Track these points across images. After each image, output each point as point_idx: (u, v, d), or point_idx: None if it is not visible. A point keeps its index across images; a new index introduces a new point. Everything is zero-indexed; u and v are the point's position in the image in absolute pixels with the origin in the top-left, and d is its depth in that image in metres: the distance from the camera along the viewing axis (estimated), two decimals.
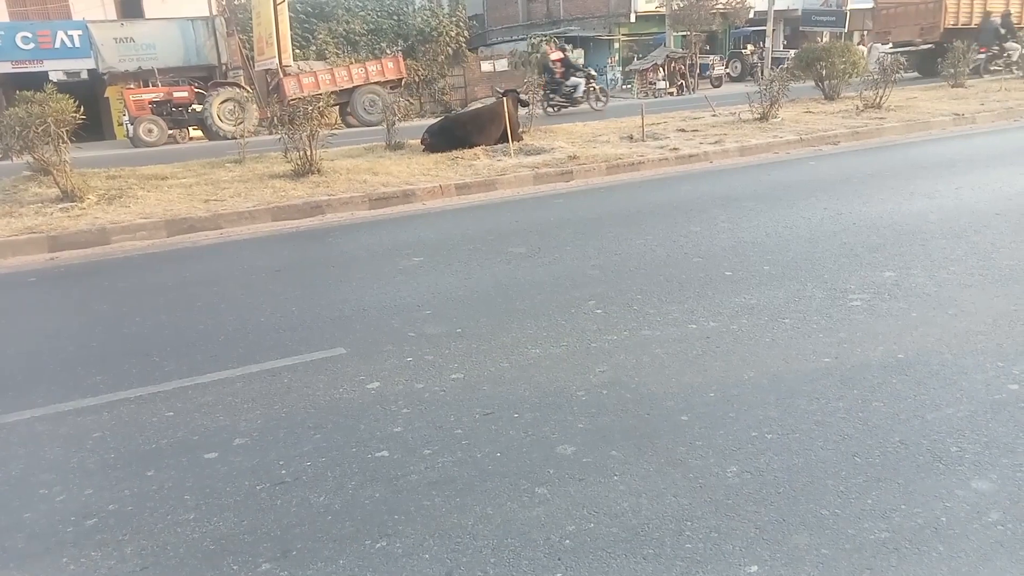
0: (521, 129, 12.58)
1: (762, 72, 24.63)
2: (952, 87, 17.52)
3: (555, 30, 32.58)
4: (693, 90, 26.02)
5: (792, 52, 25.61)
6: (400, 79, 23.47)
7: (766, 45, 28.48)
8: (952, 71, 18.06)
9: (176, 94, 20.32)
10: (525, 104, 12.99)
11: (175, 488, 3.11)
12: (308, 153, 10.15)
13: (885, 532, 2.57)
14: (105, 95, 23.62)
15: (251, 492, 3.05)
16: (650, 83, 25.91)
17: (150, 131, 19.42)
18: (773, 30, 28.80)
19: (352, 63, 23.37)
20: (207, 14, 24.44)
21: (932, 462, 2.96)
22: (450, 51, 29.36)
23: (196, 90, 20.64)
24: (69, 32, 22.62)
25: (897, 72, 14.51)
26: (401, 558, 2.60)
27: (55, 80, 19.26)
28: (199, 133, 21.25)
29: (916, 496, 2.75)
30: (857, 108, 14.07)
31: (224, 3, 25.48)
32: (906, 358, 3.89)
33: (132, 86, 20.98)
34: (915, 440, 3.12)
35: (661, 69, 26.19)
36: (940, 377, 3.65)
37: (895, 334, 4.21)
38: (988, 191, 7.61)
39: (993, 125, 12.57)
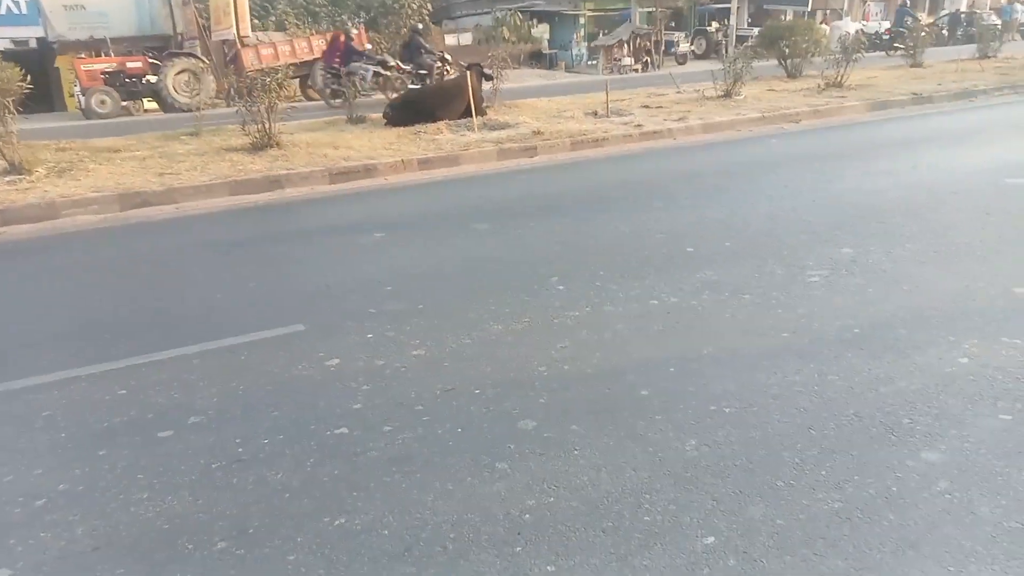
0: (485, 104, 12.46)
1: (726, 49, 24.70)
2: (911, 67, 17.77)
3: (520, 4, 32.23)
4: (658, 67, 26.00)
5: (756, 30, 25.71)
6: (362, 52, 23.04)
7: (731, 23, 28.55)
8: (911, 51, 18.31)
9: (130, 64, 19.66)
10: (489, 78, 12.85)
11: (128, 467, 3.05)
12: (267, 126, 9.93)
13: (838, 502, 2.62)
14: (55, 65, 22.79)
15: (207, 471, 3.00)
16: (615, 59, 25.82)
17: (103, 103, 18.80)
18: (738, 8, 28.86)
19: (313, 35, 22.85)
20: None
21: (885, 434, 3.02)
22: (413, 24, 28.89)
23: (151, 60, 20.01)
24: None
25: (859, 51, 14.65)
26: (360, 535, 2.58)
27: (1, 49, 18.53)
28: (154, 105, 20.63)
29: (869, 467, 2.81)
30: (819, 86, 14.20)
31: None
32: (862, 332, 3.96)
33: (83, 56, 20.25)
34: (869, 413, 3.18)
35: (626, 45, 26.10)
36: (894, 351, 3.72)
37: (852, 309, 4.28)
38: (944, 170, 7.76)
39: (950, 105, 12.79)
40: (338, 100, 16.02)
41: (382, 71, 16.41)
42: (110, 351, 4.20)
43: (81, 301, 5.23)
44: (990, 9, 34.12)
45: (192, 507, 2.77)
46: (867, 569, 2.30)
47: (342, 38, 17.61)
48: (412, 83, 15.51)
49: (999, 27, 25.43)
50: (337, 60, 16.95)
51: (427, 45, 18.00)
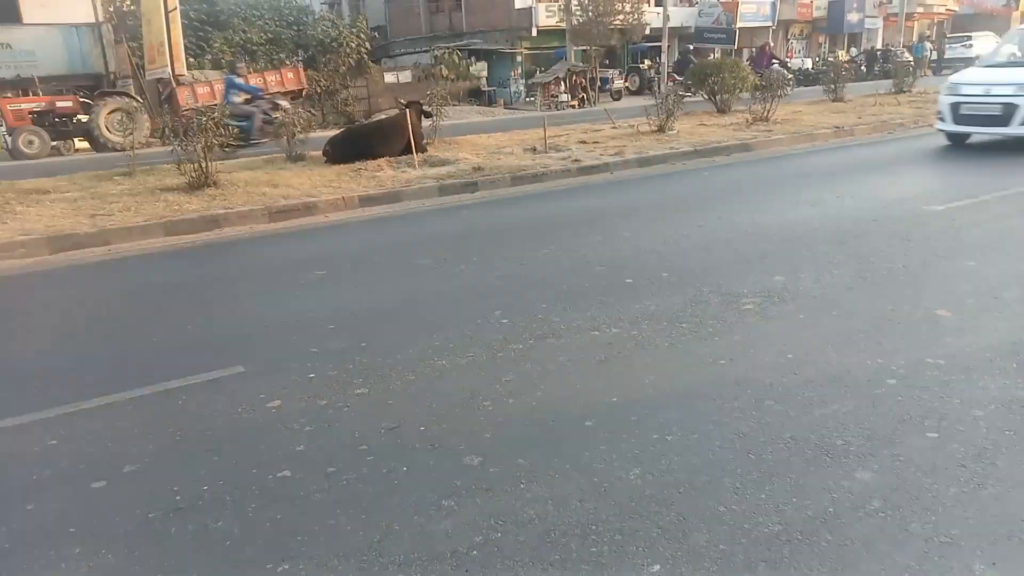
0: (425, 140, 12.54)
1: (659, 86, 25.43)
2: (832, 101, 18.60)
3: (458, 43, 32.67)
4: (594, 103, 26.62)
5: (677, 76, 26.53)
6: (301, 90, 23.00)
7: (662, 60, 29.45)
8: (832, 87, 19.19)
9: (59, 104, 19.20)
10: (429, 115, 12.96)
11: (59, 521, 2.93)
12: (203, 165, 9.79)
13: (778, 525, 2.68)
14: None
15: (143, 520, 2.90)
16: (552, 96, 26.35)
17: (31, 143, 18.27)
18: (668, 46, 29.81)
19: (250, 73, 22.71)
20: (92, 20, 23.23)
21: (820, 456, 3.12)
22: (352, 62, 28.96)
23: (81, 99, 19.58)
24: None
25: (784, 87, 15.27)
26: None
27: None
28: (86, 145, 20.14)
29: (806, 489, 2.89)
30: (747, 121, 14.73)
31: (111, 9, 24.30)
32: (795, 358, 4.09)
33: (9, 95, 19.69)
34: (804, 435, 3.27)
35: (563, 82, 26.68)
36: (826, 375, 3.85)
37: (785, 335, 4.42)
38: (866, 199, 8.11)
39: (870, 137, 13.42)
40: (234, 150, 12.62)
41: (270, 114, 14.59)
42: (38, 400, 4.04)
43: (7, 348, 5.03)
44: (903, 47, 36.07)
45: (128, 560, 2.67)
46: None
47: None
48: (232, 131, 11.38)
49: (912, 63, 26.89)
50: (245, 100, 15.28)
51: (247, 86, 15.75)
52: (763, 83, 15.85)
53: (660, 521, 2.74)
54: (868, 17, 41.65)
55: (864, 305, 4.84)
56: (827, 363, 4.00)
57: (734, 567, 2.47)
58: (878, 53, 35.64)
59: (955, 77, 11.73)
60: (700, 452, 3.19)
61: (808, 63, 35.95)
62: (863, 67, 33.03)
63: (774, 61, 21.60)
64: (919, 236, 6.40)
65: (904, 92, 19.84)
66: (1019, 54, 11.75)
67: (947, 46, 37.01)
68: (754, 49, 26.08)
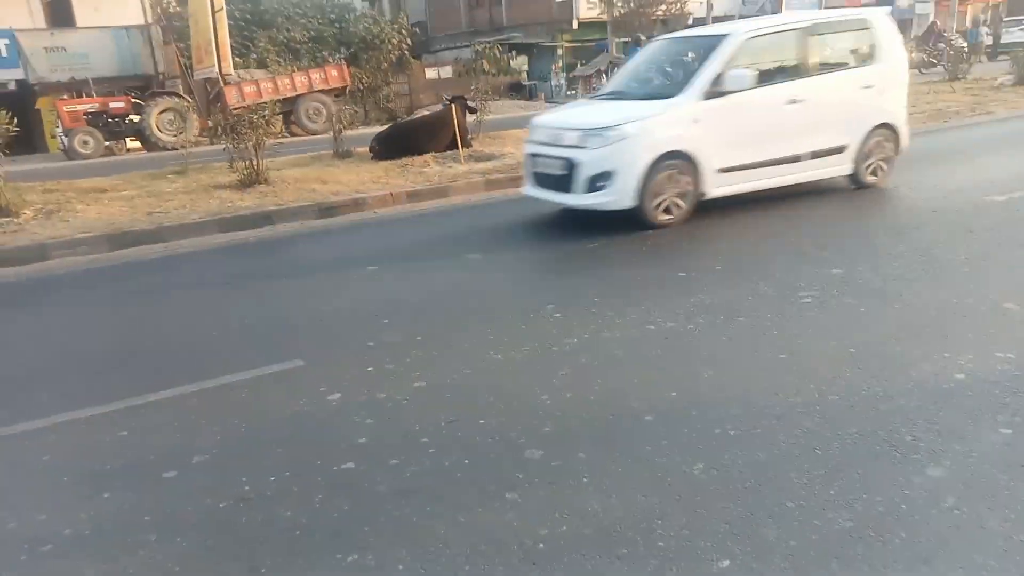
0: (470, 136, 12.56)
1: None
2: None
3: (498, 37, 32.67)
4: None
5: None
6: (344, 87, 23.23)
7: None
8: None
9: (112, 104, 19.72)
10: (473, 111, 12.98)
11: (133, 510, 3.01)
12: (254, 163, 9.96)
13: (849, 521, 2.63)
14: (36, 106, 22.75)
15: (213, 510, 2.97)
16: (594, 88, 26.18)
17: (85, 143, 18.80)
18: None
19: (295, 71, 23.03)
20: (142, 22, 23.79)
21: (888, 451, 3.05)
22: (393, 58, 29.15)
23: (133, 100, 20.08)
24: None
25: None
26: (374, 570, 2.57)
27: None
28: (137, 144, 20.66)
29: (876, 485, 2.83)
30: None
31: (160, 11, 24.84)
32: (857, 351, 4.00)
33: (65, 97, 20.27)
34: (871, 430, 3.21)
35: (604, 75, 26.49)
36: (891, 368, 3.77)
37: (845, 328, 4.34)
38: (924, 189, 7.90)
39: (924, 126, 13.03)
40: None
41: None
42: (107, 393, 4.16)
43: (75, 343, 5.19)
44: (956, 32, 34.99)
45: (202, 548, 2.74)
46: None
47: None
48: None
49: (966, 49, 26.08)
50: None
51: None
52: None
53: (727, 516, 2.71)
54: (919, 2, 40.53)
55: (927, 298, 4.73)
56: (891, 357, 3.91)
57: (806, 563, 2.44)
58: (930, 39, 34.64)
59: (538, 117, 8.18)
60: (764, 447, 3.15)
61: None
62: (912, 54, 32.14)
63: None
64: (981, 227, 6.21)
65: (959, 79, 19.25)
66: (636, 83, 8.16)
67: (1004, 30, 35.78)
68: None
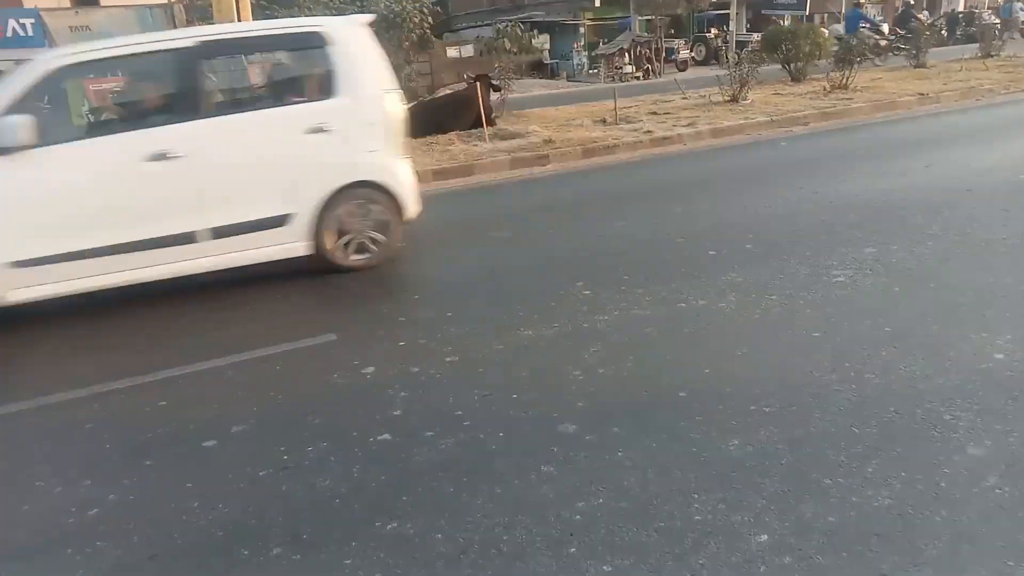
0: (494, 114, 12.52)
1: (726, 55, 24.82)
2: (915, 67, 17.82)
3: (520, 15, 32.41)
4: (659, 74, 26.11)
5: (756, 35, 25.87)
6: None
7: (730, 29, 28.66)
8: (914, 52, 18.37)
9: None
10: (497, 89, 12.92)
11: (176, 476, 3.07)
12: None
13: (888, 499, 2.63)
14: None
15: (254, 478, 3.02)
16: (617, 67, 25.92)
17: None
18: (736, 14, 28.98)
19: None
20: (165, 1, 23.85)
21: (927, 430, 3.03)
22: (415, 37, 29.03)
23: None
24: (21, 20, 21.83)
25: (862, 53, 14.69)
26: (413, 539, 2.60)
27: (3, 70, 18.53)
28: None
29: (915, 464, 2.82)
30: (825, 89, 14.23)
31: None
32: (893, 330, 3.97)
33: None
34: (909, 410, 3.19)
35: (627, 54, 26.22)
36: (928, 348, 3.74)
37: (880, 308, 4.30)
38: (957, 168, 7.78)
39: (956, 104, 12.82)
40: None
41: None
42: (144, 364, 4.23)
43: (112, 315, 5.26)
44: (988, 9, 34.21)
45: (244, 514, 2.79)
46: (925, 564, 2.31)
47: None
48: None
49: (999, 26, 25.53)
50: None
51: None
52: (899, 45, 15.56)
53: (764, 492, 2.71)
54: None
55: (964, 277, 4.67)
56: (928, 336, 3.87)
57: (845, 540, 2.43)
58: (960, 16, 33.91)
59: None
60: (800, 424, 3.14)
61: (885, 28, 34.48)
62: (943, 31, 31.50)
63: (864, 24, 20.76)
64: (1018, 206, 6.11)
65: (992, 56, 18.86)
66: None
67: None
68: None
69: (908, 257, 5.08)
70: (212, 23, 21.68)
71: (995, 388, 3.31)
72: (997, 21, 28.79)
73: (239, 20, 20.54)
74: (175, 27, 22.67)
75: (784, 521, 2.55)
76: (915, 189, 6.98)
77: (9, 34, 21.89)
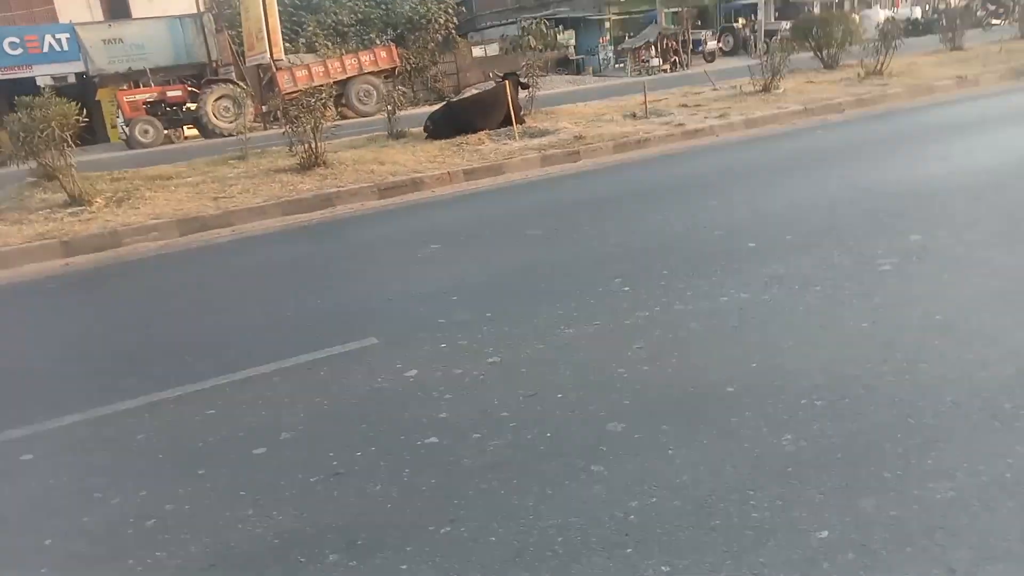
0: (523, 112, 12.50)
1: (755, 45, 24.50)
2: (951, 50, 17.43)
3: (544, 12, 32.33)
4: (687, 66, 25.89)
5: (784, 24, 25.52)
6: (394, 68, 23.33)
7: (758, 18, 28.32)
8: (950, 35, 17.98)
9: (170, 93, 20.18)
10: (526, 87, 12.91)
11: (229, 485, 3.10)
12: (313, 146, 10.09)
13: (951, 491, 2.56)
14: (96, 98, 23.40)
15: (306, 485, 3.04)
16: (643, 61, 25.80)
17: (146, 132, 19.31)
18: (764, 2, 28.62)
19: (343, 54, 23.19)
20: (194, 11, 24.21)
21: (988, 420, 2.95)
22: (440, 38, 29.13)
23: (189, 88, 20.51)
24: (57, 36, 22.34)
25: (897, 38, 14.41)
26: (468, 542, 2.59)
27: (42, 85, 18.97)
28: (194, 132, 21.13)
29: (977, 455, 2.74)
30: (859, 76, 14.00)
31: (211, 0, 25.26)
32: (945, 319, 3.88)
33: (124, 87, 20.82)
34: (967, 400, 3.11)
35: (653, 47, 26.05)
36: (983, 336, 3.64)
37: (930, 296, 4.20)
38: (1001, 152, 7.59)
39: (997, 86, 12.52)
40: None
41: None
42: (190, 373, 4.28)
43: (155, 326, 5.35)
44: None
45: (299, 521, 2.81)
46: (995, 559, 2.24)
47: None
48: None
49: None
50: None
51: None
52: None
53: (822, 487, 2.66)
54: None
55: (1014, 263, 4.54)
56: (981, 324, 3.77)
57: (910, 534, 2.38)
58: None
59: None
60: (854, 417, 3.08)
61: (917, 11, 33.81)
62: (979, 12, 30.79)
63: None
64: None
65: None
66: None
67: None
68: None
69: (955, 244, 4.96)
70: (240, 30, 22.02)
71: None
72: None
73: (267, 24, 20.82)
74: (204, 37, 23.08)
75: (844, 516, 2.50)
76: (958, 175, 6.82)
77: (45, 49, 22.43)
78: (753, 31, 28.80)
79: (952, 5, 31.14)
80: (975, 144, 8.00)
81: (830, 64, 16.17)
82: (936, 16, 23.02)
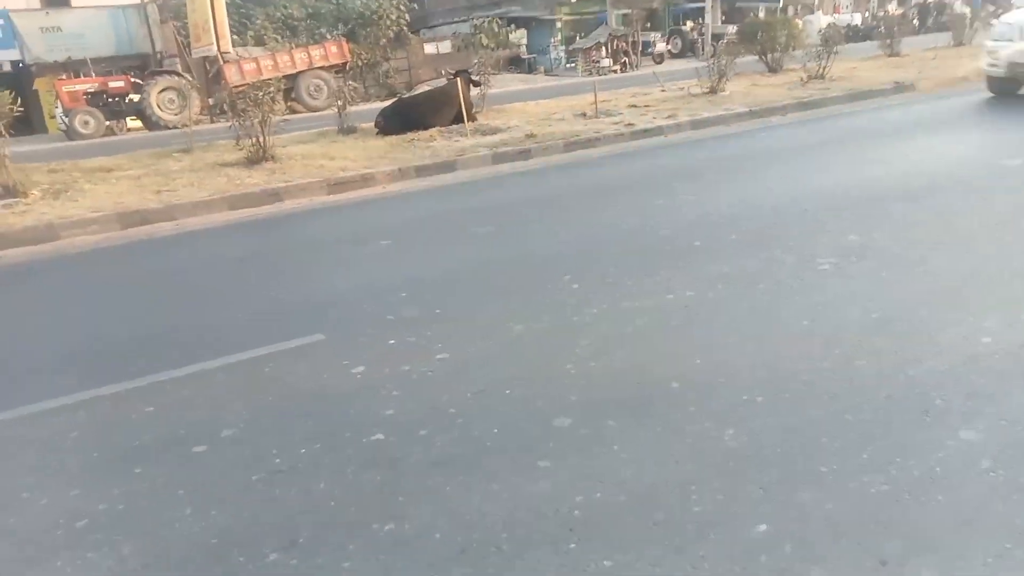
0: (475, 109, 12.48)
1: (702, 48, 24.91)
2: (889, 56, 17.98)
3: (496, 11, 32.29)
4: (636, 67, 26.18)
5: (731, 28, 26.00)
6: (344, 63, 23.02)
7: (705, 21, 28.78)
8: (888, 42, 18.55)
9: (112, 84, 19.57)
10: (477, 84, 12.89)
11: (167, 484, 3.01)
12: (261, 140, 9.90)
13: (885, 485, 2.63)
14: (34, 87, 22.56)
15: (247, 483, 2.98)
16: (594, 61, 25.98)
17: (86, 123, 18.68)
18: (712, 6, 29.10)
19: (293, 48, 22.80)
20: (138, 1, 23.53)
21: (920, 416, 3.05)
22: (392, 34, 28.85)
23: (132, 80, 19.93)
24: None
25: (838, 43, 14.80)
26: (412, 540, 2.57)
27: None
28: (138, 124, 20.53)
29: (910, 449, 2.83)
30: (802, 79, 14.33)
31: None
32: (882, 317, 3.99)
33: (63, 77, 20.11)
34: (901, 395, 3.20)
35: (604, 47, 26.26)
36: (917, 334, 3.76)
37: (868, 294, 4.32)
38: (937, 155, 7.85)
39: (932, 92, 12.94)
40: None
41: None
42: (129, 369, 4.15)
43: (92, 321, 5.18)
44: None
45: (238, 520, 2.74)
46: (927, 549, 2.31)
47: None
48: None
49: (970, 16, 25.82)
50: None
51: None
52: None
53: (761, 481, 2.71)
54: None
55: (949, 263, 4.70)
56: (918, 322, 3.90)
57: (845, 526, 2.44)
58: (931, 5, 34.30)
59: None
60: (793, 413, 3.15)
61: (857, 18, 34.79)
62: (915, 21, 31.87)
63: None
64: (999, 191, 6.17)
65: (963, 45, 19.08)
66: None
67: None
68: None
69: (893, 244, 5.11)
70: (186, 22, 21.48)
71: (985, 371, 3.33)
72: (967, 11, 29.07)
73: (213, 16, 20.35)
74: (148, 27, 22.45)
75: (783, 510, 2.55)
76: (895, 177, 7.03)
77: None
78: (701, 34, 29.28)
79: (890, 13, 32.17)
80: (912, 148, 8.26)
81: (774, 68, 16.54)
82: (875, 23, 23.75)
